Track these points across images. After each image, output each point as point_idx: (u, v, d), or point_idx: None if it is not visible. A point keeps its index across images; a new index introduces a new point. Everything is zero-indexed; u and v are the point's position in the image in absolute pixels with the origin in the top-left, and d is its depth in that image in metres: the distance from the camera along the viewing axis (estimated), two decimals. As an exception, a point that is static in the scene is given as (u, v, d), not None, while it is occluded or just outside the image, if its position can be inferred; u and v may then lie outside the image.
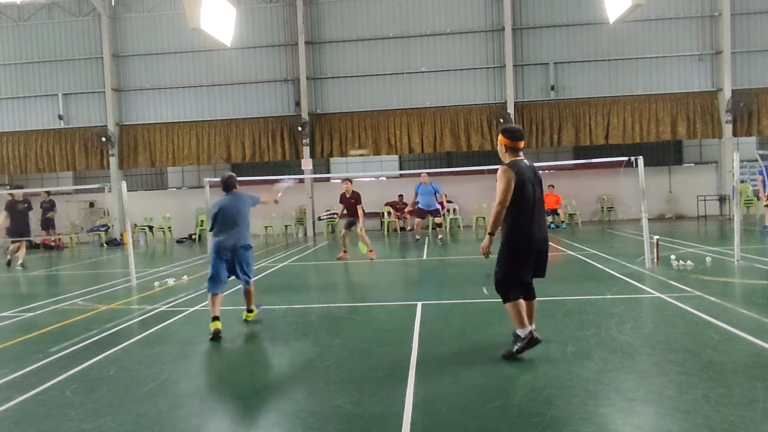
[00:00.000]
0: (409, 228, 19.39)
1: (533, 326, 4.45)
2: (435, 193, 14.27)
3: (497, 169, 4.45)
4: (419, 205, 14.50)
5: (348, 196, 11.87)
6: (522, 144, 4.54)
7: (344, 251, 12.04)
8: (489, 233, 4.43)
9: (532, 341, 4.33)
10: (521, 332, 4.36)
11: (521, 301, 4.44)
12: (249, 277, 6.06)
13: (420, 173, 14.56)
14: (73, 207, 22.25)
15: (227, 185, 6.12)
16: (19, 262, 13.04)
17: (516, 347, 4.36)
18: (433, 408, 3.51)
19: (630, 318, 5.60)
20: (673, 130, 19.45)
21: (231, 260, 5.89)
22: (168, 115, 21.26)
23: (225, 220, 5.93)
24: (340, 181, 22.22)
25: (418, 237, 15.19)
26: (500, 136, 4.56)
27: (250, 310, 6.22)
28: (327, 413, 3.48)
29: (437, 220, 14.92)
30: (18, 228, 13.13)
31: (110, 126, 20.96)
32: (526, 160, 4.52)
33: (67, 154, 21.37)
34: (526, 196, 4.35)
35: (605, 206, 21.01)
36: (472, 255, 11.62)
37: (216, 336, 5.37)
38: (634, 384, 3.78)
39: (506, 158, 4.53)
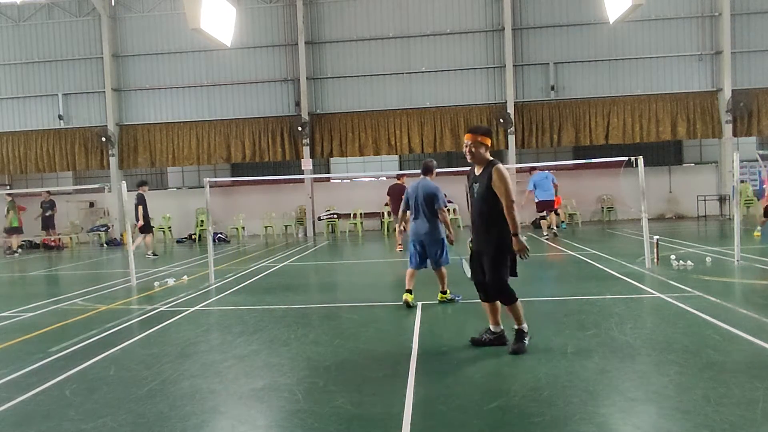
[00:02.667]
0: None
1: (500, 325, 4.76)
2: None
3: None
4: (539, 199, 14.89)
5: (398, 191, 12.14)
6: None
7: (399, 244, 12.56)
8: (516, 234, 4.41)
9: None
10: (525, 327, 4.57)
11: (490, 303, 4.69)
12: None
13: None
14: (73, 207, 22.23)
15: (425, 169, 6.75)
16: None
17: (527, 341, 4.55)
18: (433, 408, 3.51)
19: (630, 318, 5.60)
20: (673, 130, 19.45)
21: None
22: (168, 115, 21.26)
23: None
24: (339, 181, 22.44)
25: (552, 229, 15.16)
26: (482, 137, 4.53)
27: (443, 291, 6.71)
28: (327, 413, 3.48)
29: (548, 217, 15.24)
30: None
31: (110, 126, 20.96)
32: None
33: (67, 154, 21.37)
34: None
35: (605, 206, 21.01)
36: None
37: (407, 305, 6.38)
38: (634, 384, 3.78)
39: (488, 157, 4.57)
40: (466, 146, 4.55)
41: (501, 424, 3.23)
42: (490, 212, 4.49)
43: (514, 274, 4.60)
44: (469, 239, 4.81)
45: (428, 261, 6.61)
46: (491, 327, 4.78)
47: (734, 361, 4.16)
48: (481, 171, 4.56)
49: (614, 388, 3.71)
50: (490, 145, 4.58)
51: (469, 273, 4.86)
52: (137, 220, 14.01)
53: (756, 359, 4.17)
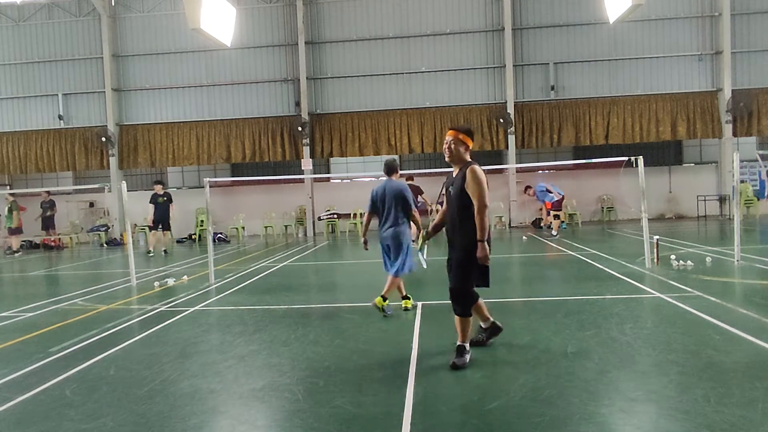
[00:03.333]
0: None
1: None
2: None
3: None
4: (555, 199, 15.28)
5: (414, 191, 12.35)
6: None
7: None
8: (482, 240, 4.14)
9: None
10: (467, 345, 4.40)
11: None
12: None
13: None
14: (73, 207, 22.25)
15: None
16: None
17: (467, 357, 4.33)
18: (433, 408, 3.51)
19: (630, 318, 5.60)
20: (673, 130, 19.46)
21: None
22: (168, 115, 21.27)
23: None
24: (339, 181, 22.43)
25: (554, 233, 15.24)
26: (463, 135, 4.36)
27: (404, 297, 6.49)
28: (327, 413, 3.48)
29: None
30: None
31: (110, 126, 20.97)
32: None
33: (67, 154, 21.37)
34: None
35: (605, 206, 21.01)
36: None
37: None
38: (634, 384, 3.78)
39: (466, 158, 4.40)
40: (447, 143, 4.37)
41: (501, 424, 3.23)
42: (462, 216, 4.26)
43: (486, 284, 4.36)
44: (422, 238, 4.85)
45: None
46: (482, 324, 4.79)
47: (734, 361, 4.16)
48: (457, 172, 4.37)
49: (614, 388, 3.71)
50: (470, 146, 4.42)
51: (425, 264, 4.82)
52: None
53: (756, 359, 4.17)
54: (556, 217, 15.43)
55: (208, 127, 20.97)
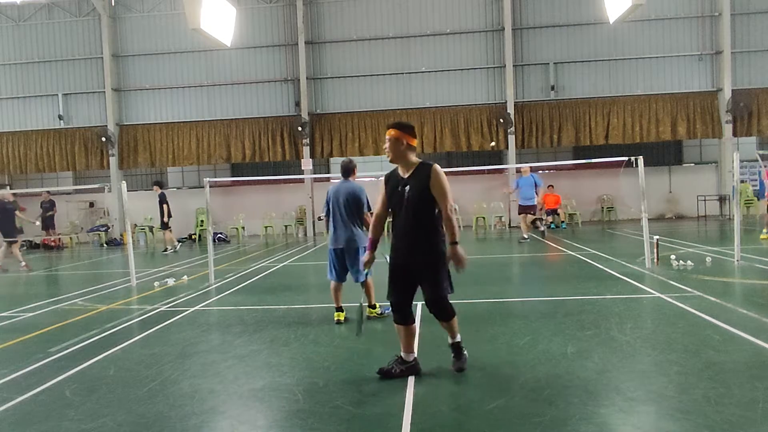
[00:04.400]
0: None
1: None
2: (535, 186, 13.93)
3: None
4: (520, 203, 14.30)
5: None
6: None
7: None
8: (455, 242, 3.86)
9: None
10: (459, 337, 4.19)
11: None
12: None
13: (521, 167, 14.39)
14: (73, 207, 22.25)
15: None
16: None
17: (466, 353, 4.20)
18: (433, 408, 3.51)
19: (630, 318, 5.60)
20: (673, 130, 19.46)
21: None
22: (168, 115, 21.27)
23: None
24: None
25: (525, 236, 14.23)
26: (409, 137, 4.00)
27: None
28: (327, 413, 3.48)
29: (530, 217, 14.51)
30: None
31: (110, 126, 20.97)
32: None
33: (67, 154, 21.38)
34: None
35: (605, 206, 21.01)
36: (472, 255, 11.60)
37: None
38: (634, 384, 3.78)
39: (409, 157, 4.00)
40: (390, 141, 3.99)
41: (501, 424, 3.23)
42: (429, 218, 3.92)
43: (451, 288, 4.06)
44: (387, 253, 4.18)
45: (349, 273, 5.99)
46: (403, 355, 4.11)
47: (734, 361, 4.16)
48: (411, 172, 3.96)
49: (614, 388, 3.71)
50: (413, 143, 4.03)
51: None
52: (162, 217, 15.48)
53: (756, 359, 4.17)
54: (539, 221, 14.50)
55: (208, 127, 20.97)
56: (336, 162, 22.81)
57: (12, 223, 12.89)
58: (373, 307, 6.06)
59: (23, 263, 12.63)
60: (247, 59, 20.86)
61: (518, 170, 14.68)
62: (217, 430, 3.39)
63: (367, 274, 5.88)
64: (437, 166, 3.94)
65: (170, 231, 15.99)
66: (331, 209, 5.96)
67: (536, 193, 14.10)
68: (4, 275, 12.06)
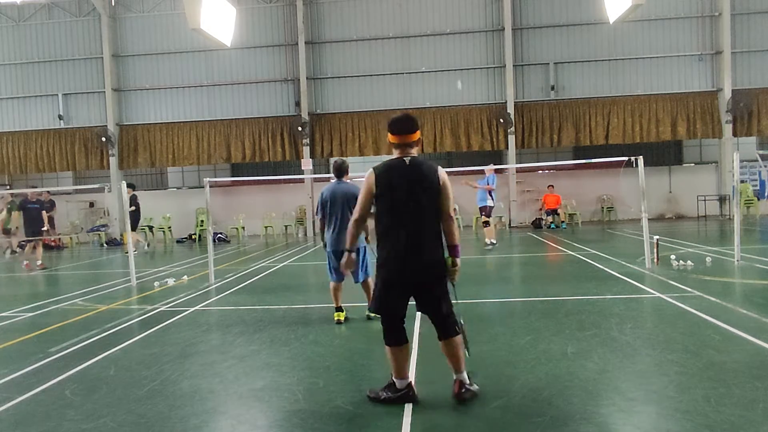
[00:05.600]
0: None
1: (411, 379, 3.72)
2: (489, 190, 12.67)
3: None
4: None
5: None
6: (405, 138, 3.55)
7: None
8: (347, 249, 3.71)
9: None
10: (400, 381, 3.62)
11: (392, 347, 3.57)
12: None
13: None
14: (73, 207, 22.24)
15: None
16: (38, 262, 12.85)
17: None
18: (433, 408, 3.51)
19: (630, 318, 5.60)
20: (673, 130, 19.46)
21: None
22: (168, 115, 21.27)
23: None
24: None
25: (488, 243, 12.96)
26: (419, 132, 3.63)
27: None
28: (327, 413, 3.48)
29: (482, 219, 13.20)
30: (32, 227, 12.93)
31: (110, 126, 20.97)
32: (409, 158, 3.53)
33: (67, 154, 21.38)
34: (393, 204, 3.48)
35: (605, 206, 21.01)
36: (472, 255, 11.62)
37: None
38: (634, 384, 3.78)
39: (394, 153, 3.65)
40: (418, 144, 3.63)
41: (501, 424, 3.23)
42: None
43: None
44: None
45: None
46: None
47: (734, 361, 4.16)
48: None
49: (614, 388, 3.71)
50: (389, 140, 3.65)
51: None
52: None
53: (756, 359, 4.17)
54: (486, 224, 13.04)
55: (208, 127, 20.97)
56: (336, 162, 22.79)
57: (39, 223, 12.87)
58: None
59: (39, 262, 12.78)
60: (247, 59, 20.86)
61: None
62: (217, 430, 3.39)
63: (367, 274, 5.89)
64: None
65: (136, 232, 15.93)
66: (328, 211, 5.84)
67: (490, 195, 12.71)
68: (5, 275, 12.06)
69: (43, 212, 13.03)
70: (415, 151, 3.60)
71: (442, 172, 3.56)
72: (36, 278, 11.41)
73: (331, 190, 5.85)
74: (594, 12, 18.80)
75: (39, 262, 12.74)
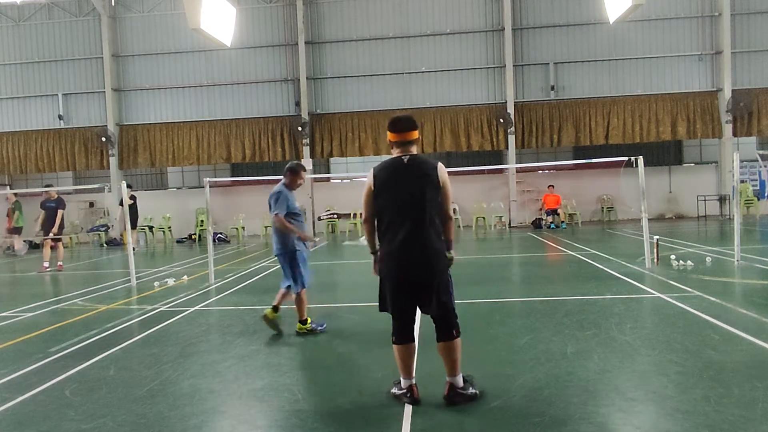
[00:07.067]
0: None
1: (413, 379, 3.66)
2: None
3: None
4: None
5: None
6: (404, 136, 3.56)
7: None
8: (370, 252, 3.74)
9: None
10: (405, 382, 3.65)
11: (398, 345, 3.57)
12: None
13: None
14: (73, 207, 22.18)
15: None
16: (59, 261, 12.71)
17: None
18: (433, 408, 3.51)
19: (630, 318, 5.60)
20: (673, 130, 19.46)
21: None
22: (168, 115, 21.27)
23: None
24: (339, 181, 22.42)
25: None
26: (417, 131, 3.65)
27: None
28: (327, 413, 3.48)
29: None
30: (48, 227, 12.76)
31: (110, 126, 20.96)
32: (407, 156, 3.53)
33: (67, 154, 21.38)
34: (391, 202, 3.50)
35: (605, 206, 20.99)
36: (472, 255, 11.62)
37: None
38: (634, 384, 3.78)
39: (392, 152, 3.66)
40: (417, 143, 3.65)
41: (501, 424, 3.23)
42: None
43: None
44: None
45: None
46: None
47: (734, 361, 4.16)
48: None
49: (614, 388, 3.71)
50: (389, 138, 3.67)
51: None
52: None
53: (756, 359, 4.18)
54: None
55: (208, 127, 20.97)
56: (336, 162, 22.83)
57: (53, 222, 12.62)
58: (303, 322, 5.54)
59: (60, 262, 12.60)
60: (247, 59, 20.86)
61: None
62: (217, 430, 3.39)
63: (302, 286, 5.57)
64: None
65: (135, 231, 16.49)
66: (298, 212, 5.68)
67: None
68: (4, 275, 12.06)
69: (60, 210, 12.71)
70: (414, 150, 3.63)
71: (441, 169, 3.60)
72: (36, 278, 11.41)
73: (290, 192, 5.80)
74: (594, 12, 18.80)
75: (60, 263, 12.49)
